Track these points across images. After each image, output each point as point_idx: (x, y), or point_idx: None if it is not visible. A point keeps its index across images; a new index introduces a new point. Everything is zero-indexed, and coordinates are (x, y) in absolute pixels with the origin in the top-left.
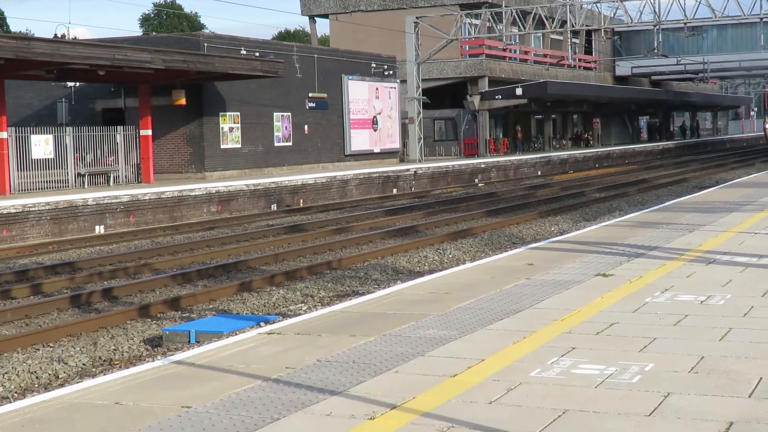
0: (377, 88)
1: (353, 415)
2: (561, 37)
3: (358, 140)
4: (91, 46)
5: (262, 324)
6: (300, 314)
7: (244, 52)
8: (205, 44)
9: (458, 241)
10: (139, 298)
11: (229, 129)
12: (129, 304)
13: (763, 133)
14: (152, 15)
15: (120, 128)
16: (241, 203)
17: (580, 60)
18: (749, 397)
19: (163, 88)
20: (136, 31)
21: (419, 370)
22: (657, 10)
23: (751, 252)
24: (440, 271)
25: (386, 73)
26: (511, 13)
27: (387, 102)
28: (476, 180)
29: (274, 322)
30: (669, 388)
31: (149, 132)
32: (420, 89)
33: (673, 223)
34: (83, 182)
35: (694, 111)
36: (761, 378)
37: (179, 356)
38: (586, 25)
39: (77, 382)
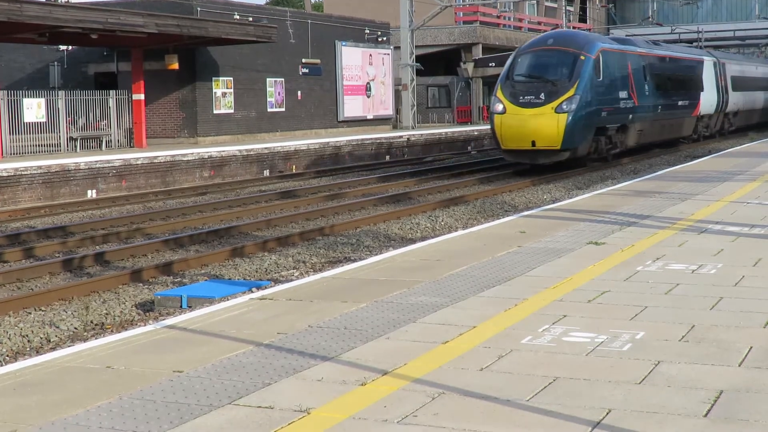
0: (371, 55)
1: (344, 381)
2: (555, 5)
3: (351, 107)
4: (84, 9)
5: (254, 289)
6: (292, 280)
7: (238, 17)
8: (199, 8)
9: (450, 209)
10: (131, 263)
11: (222, 94)
12: (121, 269)
13: None
14: None
15: (112, 92)
16: (233, 168)
17: (574, 28)
18: (739, 366)
19: (155, 52)
20: None
21: (411, 336)
22: None
23: (743, 221)
24: (432, 238)
25: (380, 40)
26: None
27: (380, 68)
28: (469, 148)
29: (266, 288)
30: (659, 357)
31: (142, 96)
32: (414, 56)
33: (666, 192)
34: (75, 146)
35: None
36: (751, 347)
37: (171, 321)
38: None
39: (69, 346)
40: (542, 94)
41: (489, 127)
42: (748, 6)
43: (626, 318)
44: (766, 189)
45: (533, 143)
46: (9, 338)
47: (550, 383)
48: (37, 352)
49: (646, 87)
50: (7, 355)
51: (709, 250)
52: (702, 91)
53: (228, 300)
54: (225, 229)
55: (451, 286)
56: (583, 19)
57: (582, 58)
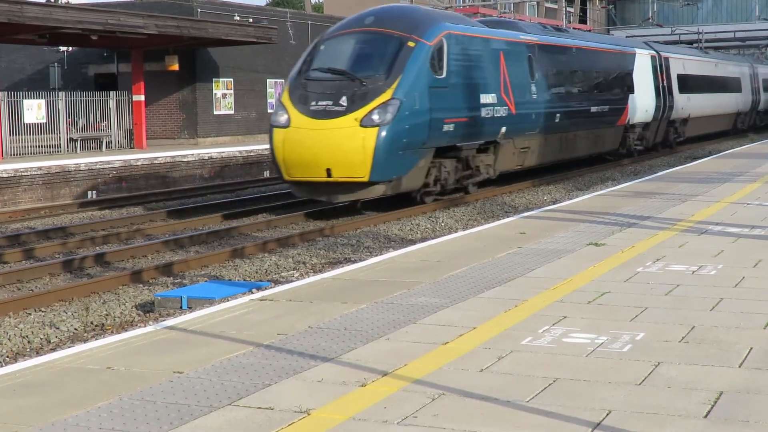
0: None
1: (345, 382)
2: (556, 6)
3: None
4: (84, 10)
5: (254, 290)
6: (292, 281)
7: (238, 18)
8: (199, 10)
9: (450, 210)
10: (132, 264)
11: (222, 95)
12: (121, 270)
13: None
14: None
15: (113, 93)
16: (233, 170)
17: (574, 29)
18: (739, 367)
19: (156, 53)
20: None
21: (411, 337)
22: None
23: (743, 222)
24: (432, 239)
25: None
26: None
27: None
28: None
29: (266, 289)
30: (659, 358)
31: (142, 97)
32: None
33: (666, 193)
34: (75, 147)
35: None
36: (751, 348)
37: (171, 322)
38: None
39: (69, 347)
40: (344, 98)
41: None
42: (748, 7)
43: (626, 319)
44: (766, 190)
45: (329, 172)
46: (9, 339)
47: (550, 384)
48: (37, 353)
49: (534, 88)
50: (7, 356)
51: (709, 251)
52: (632, 93)
53: (228, 301)
54: (225, 230)
55: (451, 287)
56: (583, 20)
57: (410, 44)
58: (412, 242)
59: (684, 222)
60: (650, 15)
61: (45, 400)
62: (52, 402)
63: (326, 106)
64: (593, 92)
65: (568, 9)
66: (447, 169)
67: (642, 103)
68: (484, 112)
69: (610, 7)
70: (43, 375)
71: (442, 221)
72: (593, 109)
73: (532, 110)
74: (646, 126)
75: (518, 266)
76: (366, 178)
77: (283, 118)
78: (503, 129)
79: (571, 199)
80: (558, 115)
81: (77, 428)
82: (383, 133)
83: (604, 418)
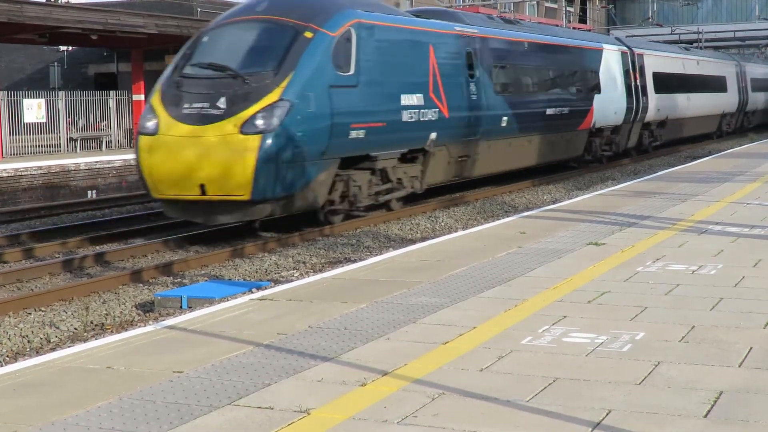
0: None
1: (344, 381)
2: (556, 6)
3: None
4: (84, 10)
5: (254, 290)
6: (292, 281)
7: None
8: (199, 9)
9: (450, 209)
10: (131, 263)
11: None
12: (121, 269)
13: None
14: None
15: (112, 93)
16: None
17: (574, 29)
18: (739, 366)
19: (156, 52)
20: None
21: (411, 337)
22: None
23: (743, 222)
24: (432, 238)
25: None
26: None
27: None
28: None
29: (266, 288)
30: (659, 358)
31: (142, 97)
32: None
33: (666, 193)
34: (75, 147)
35: None
36: (751, 348)
37: (171, 321)
38: None
39: (69, 347)
40: (223, 99)
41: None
42: (748, 6)
43: (626, 318)
44: (766, 190)
45: (203, 189)
46: (9, 339)
47: (550, 384)
48: (37, 352)
49: (474, 88)
50: (7, 356)
51: (709, 251)
52: (598, 93)
53: (228, 300)
54: (225, 229)
55: (451, 287)
56: (583, 19)
57: (307, 35)
58: (412, 242)
59: (684, 222)
60: (650, 15)
61: (45, 399)
62: (52, 402)
63: (201, 109)
64: (550, 92)
65: (568, 9)
66: (357, 183)
67: (610, 105)
68: (406, 116)
69: (610, 6)
70: (43, 375)
71: (442, 221)
72: (550, 111)
73: (472, 113)
74: (615, 129)
75: (518, 266)
76: (247, 197)
77: (150, 124)
78: (433, 135)
79: (571, 198)
80: (505, 118)
81: (77, 428)
82: (268, 142)
83: (603, 418)
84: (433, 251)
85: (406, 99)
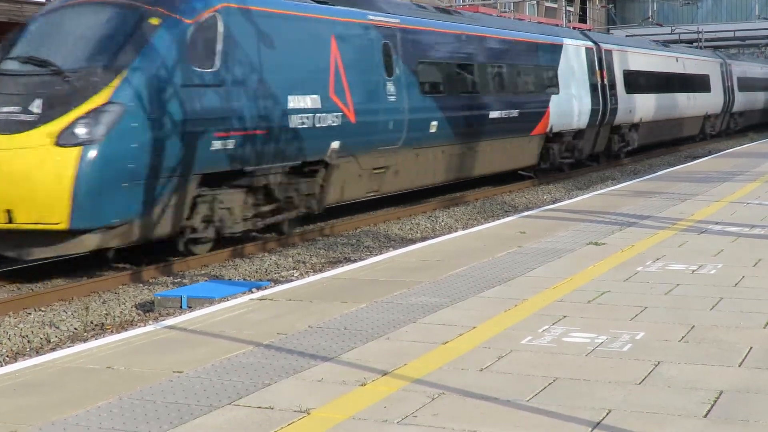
0: None
1: (344, 381)
2: (555, 5)
3: None
4: None
5: (254, 290)
6: (292, 280)
7: None
8: None
9: (450, 209)
10: (131, 263)
11: None
12: (121, 269)
13: None
14: None
15: None
16: None
17: (574, 28)
18: (739, 366)
19: None
20: None
21: (411, 336)
22: None
23: (743, 222)
24: (432, 238)
25: None
26: None
27: None
28: None
29: (266, 288)
30: (659, 357)
31: None
32: None
33: (666, 193)
34: None
35: None
36: (751, 348)
37: (171, 321)
38: None
39: (69, 347)
40: (38, 101)
41: None
42: (748, 6)
43: (626, 318)
44: (766, 189)
45: (9, 216)
46: (9, 338)
47: (550, 384)
48: (37, 352)
49: (392, 88)
50: (7, 356)
51: (709, 251)
52: (555, 93)
53: (228, 300)
54: None
55: (451, 287)
56: (583, 19)
57: (153, 21)
58: (412, 241)
59: (684, 221)
60: (650, 14)
61: (45, 399)
62: (52, 401)
63: (9, 115)
64: (495, 93)
65: (568, 8)
66: (226, 205)
67: (571, 106)
68: (295, 121)
69: (610, 6)
70: (43, 374)
71: (442, 221)
72: (494, 114)
73: (389, 117)
74: (579, 134)
75: (518, 265)
76: (64, 225)
77: None
78: (335, 144)
79: (571, 198)
80: (435, 123)
81: (77, 428)
82: (91, 155)
83: (603, 418)
84: (433, 251)
85: (296, 101)
